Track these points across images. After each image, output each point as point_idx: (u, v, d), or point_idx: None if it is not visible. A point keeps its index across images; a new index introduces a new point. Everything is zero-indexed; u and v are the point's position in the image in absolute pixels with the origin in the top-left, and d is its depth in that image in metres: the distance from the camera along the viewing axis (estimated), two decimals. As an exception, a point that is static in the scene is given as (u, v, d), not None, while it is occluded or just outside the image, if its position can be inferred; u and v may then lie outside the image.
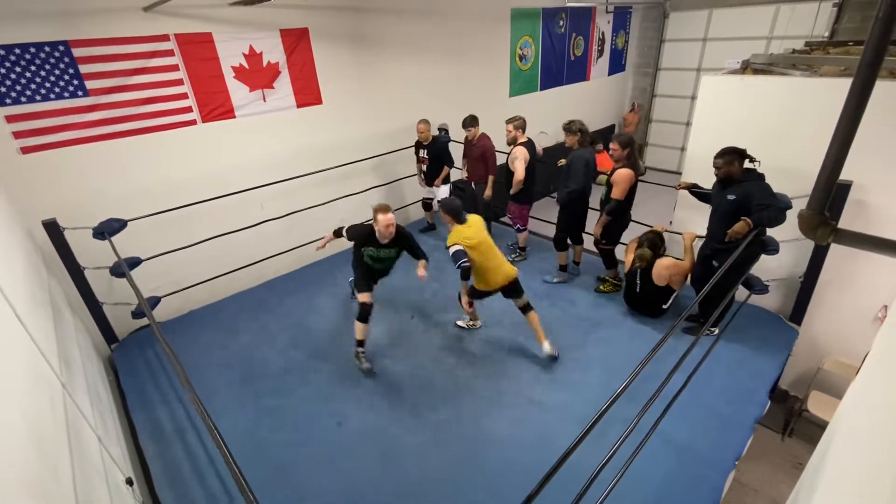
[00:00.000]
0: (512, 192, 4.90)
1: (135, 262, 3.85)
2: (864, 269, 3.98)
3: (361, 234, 3.62)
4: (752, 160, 3.40)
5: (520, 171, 4.68)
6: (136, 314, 4.00)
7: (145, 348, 4.09)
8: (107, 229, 3.67)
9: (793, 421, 4.46)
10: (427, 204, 6.02)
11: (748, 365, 3.66)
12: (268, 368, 3.85)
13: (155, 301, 4.08)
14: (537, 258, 5.39)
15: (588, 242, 4.85)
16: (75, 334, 3.26)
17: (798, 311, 4.17)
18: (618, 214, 4.26)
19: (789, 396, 4.72)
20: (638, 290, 4.14)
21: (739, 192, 3.37)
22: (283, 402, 3.51)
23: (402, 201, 6.43)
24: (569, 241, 4.83)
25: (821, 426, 2.79)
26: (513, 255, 5.36)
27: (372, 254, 3.68)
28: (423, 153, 5.54)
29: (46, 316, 2.66)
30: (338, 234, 3.84)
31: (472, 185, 5.53)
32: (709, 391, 3.38)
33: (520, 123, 4.78)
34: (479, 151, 5.22)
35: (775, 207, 3.18)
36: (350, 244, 3.80)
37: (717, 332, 3.74)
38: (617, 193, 4.10)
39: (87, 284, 3.86)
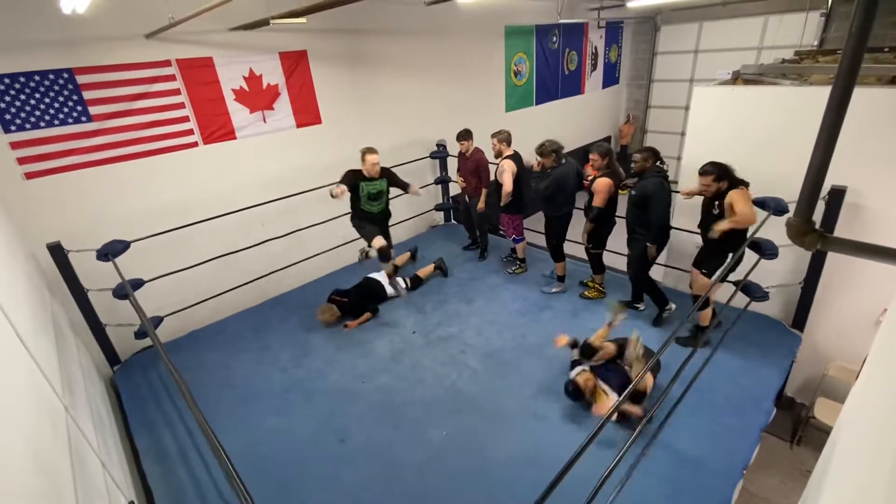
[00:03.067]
0: (502, 203, 4.98)
1: (138, 284, 3.87)
2: (864, 273, 3.99)
3: (354, 174, 4.41)
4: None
5: (507, 184, 4.77)
6: (140, 335, 4.01)
7: (147, 369, 4.08)
8: (110, 251, 3.70)
9: (800, 428, 4.41)
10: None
11: (752, 373, 3.64)
12: (270, 387, 3.84)
13: (157, 321, 4.09)
14: (534, 269, 5.43)
15: (575, 249, 4.93)
16: (77, 356, 3.27)
17: (800, 316, 4.16)
18: (601, 220, 4.37)
19: (796, 404, 4.67)
20: None
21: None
22: (286, 420, 3.50)
23: (406, 214, 6.48)
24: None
25: (828, 433, 2.77)
26: (512, 268, 5.40)
27: (366, 188, 4.43)
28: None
29: (48, 338, 2.67)
30: (343, 180, 4.35)
31: (467, 199, 5.60)
32: (713, 400, 3.36)
33: (504, 137, 4.90)
34: (472, 165, 5.28)
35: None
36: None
37: (641, 307, 4.44)
38: (598, 202, 4.23)
39: (90, 306, 3.88)
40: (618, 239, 4.54)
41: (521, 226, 5.21)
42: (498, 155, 4.93)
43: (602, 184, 4.18)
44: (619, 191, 4.32)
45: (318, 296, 5.13)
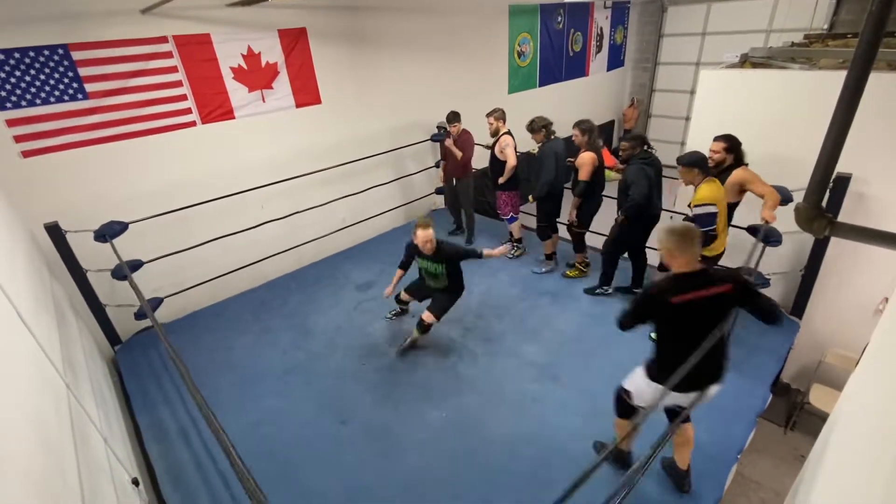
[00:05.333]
0: (503, 179, 4.96)
1: (136, 265, 3.87)
2: (865, 262, 3.98)
3: (413, 246, 3.74)
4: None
5: (512, 158, 4.80)
6: (139, 315, 4.02)
7: (148, 349, 4.11)
8: (108, 232, 3.68)
9: (795, 414, 4.47)
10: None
11: (749, 359, 3.66)
12: (270, 368, 3.87)
13: (157, 302, 4.10)
14: (537, 253, 5.39)
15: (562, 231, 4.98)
16: (79, 336, 3.28)
17: (799, 304, 4.17)
18: (587, 196, 4.38)
19: (791, 390, 4.73)
20: None
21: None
22: (286, 401, 3.53)
23: (407, 198, 6.45)
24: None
25: (822, 418, 2.80)
26: (512, 252, 5.30)
27: (422, 264, 3.83)
28: None
29: (50, 318, 2.68)
30: (401, 266, 3.95)
31: (454, 182, 5.61)
32: (710, 385, 3.39)
33: (500, 115, 4.93)
34: (458, 144, 5.26)
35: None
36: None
37: (609, 290, 4.55)
38: (583, 175, 4.27)
39: (89, 287, 3.88)
40: (604, 219, 4.60)
41: (518, 204, 5.20)
42: (495, 133, 4.92)
43: (586, 157, 4.23)
44: (608, 171, 4.37)
45: (319, 278, 5.14)
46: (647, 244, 4.33)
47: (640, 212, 4.00)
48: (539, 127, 4.54)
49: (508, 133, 4.87)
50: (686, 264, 2.14)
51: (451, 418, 3.30)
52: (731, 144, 3.59)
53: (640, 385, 2.42)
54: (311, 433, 3.25)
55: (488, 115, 4.92)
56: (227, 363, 3.94)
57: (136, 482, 2.49)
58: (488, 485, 2.82)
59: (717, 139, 3.65)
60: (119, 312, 4.14)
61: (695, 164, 3.42)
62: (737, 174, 3.55)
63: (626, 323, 2.32)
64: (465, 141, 5.27)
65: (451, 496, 2.78)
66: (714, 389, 2.23)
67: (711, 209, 3.31)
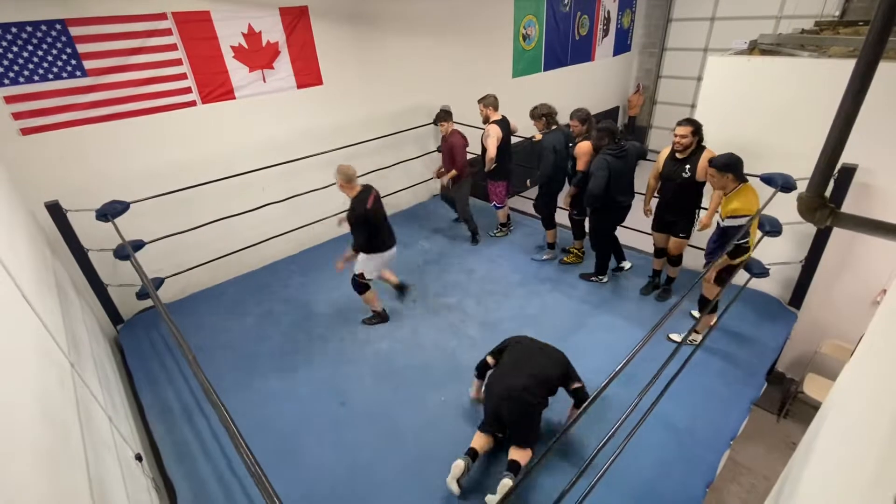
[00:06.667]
0: (486, 169, 5.02)
1: (138, 245, 3.87)
2: (865, 254, 3.98)
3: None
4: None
5: (491, 149, 4.80)
6: (141, 295, 4.04)
7: (150, 329, 4.14)
8: (109, 211, 3.68)
9: (788, 402, 4.53)
10: None
11: (746, 348, 3.70)
12: (271, 350, 3.91)
13: (158, 282, 4.12)
14: (520, 234, 5.58)
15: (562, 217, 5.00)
16: (81, 315, 3.30)
17: (798, 295, 4.19)
18: (584, 185, 4.33)
19: (786, 379, 4.77)
20: None
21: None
22: (287, 382, 3.58)
23: (408, 182, 6.42)
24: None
25: (815, 407, 2.84)
26: (493, 231, 5.59)
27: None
28: None
29: (52, 297, 2.69)
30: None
31: (450, 185, 5.49)
32: (708, 373, 3.43)
33: (490, 101, 4.90)
34: (447, 147, 5.07)
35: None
36: None
37: (605, 279, 4.55)
38: (580, 165, 4.27)
39: (91, 266, 3.89)
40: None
41: (504, 193, 5.27)
42: (486, 120, 4.93)
43: (584, 147, 4.21)
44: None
45: (319, 261, 5.15)
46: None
47: (597, 203, 4.04)
48: (540, 115, 4.51)
49: (498, 122, 4.84)
50: None
51: (449, 402, 3.35)
52: (697, 128, 3.65)
53: (366, 265, 3.77)
54: (311, 413, 3.30)
55: (479, 101, 4.94)
56: (228, 343, 3.98)
57: (139, 458, 2.53)
58: (484, 469, 2.87)
59: (682, 124, 3.69)
60: (120, 292, 4.17)
61: (729, 168, 3.21)
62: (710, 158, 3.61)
63: None
64: (452, 145, 5.00)
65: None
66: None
67: (743, 221, 3.14)
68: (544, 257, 5.05)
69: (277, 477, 2.81)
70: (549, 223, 4.93)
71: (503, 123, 4.87)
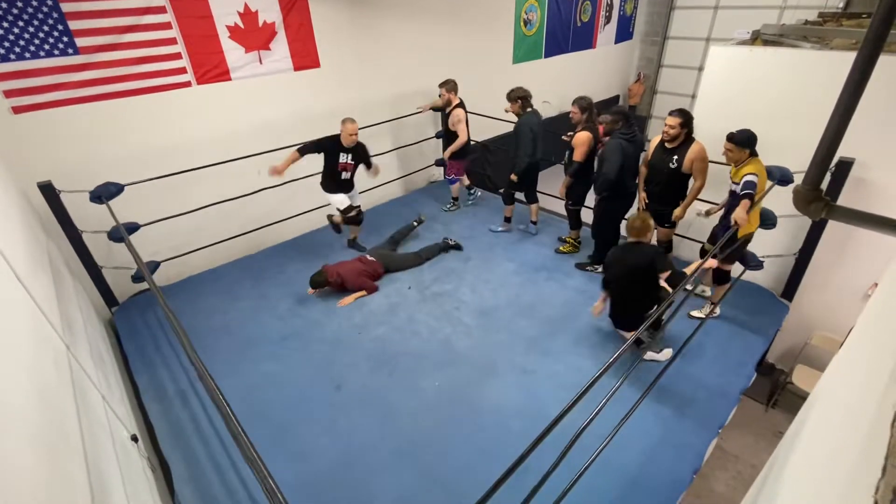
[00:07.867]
0: (452, 150, 5.29)
1: (133, 228, 3.84)
2: (858, 248, 4.02)
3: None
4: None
5: (463, 133, 5.10)
6: (136, 278, 4.03)
7: (146, 311, 4.14)
8: (104, 193, 3.64)
9: (777, 393, 4.60)
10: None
11: (738, 339, 3.75)
12: (267, 334, 3.92)
13: (154, 266, 4.10)
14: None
15: (554, 204, 5.06)
16: (76, 297, 3.30)
17: (790, 287, 4.23)
18: (581, 176, 4.37)
19: (775, 369, 4.85)
20: None
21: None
22: (283, 366, 3.60)
23: (405, 169, 6.38)
24: (524, 199, 5.18)
25: (803, 397, 2.90)
26: (447, 206, 5.81)
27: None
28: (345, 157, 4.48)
29: (47, 278, 2.68)
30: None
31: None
32: (699, 363, 3.48)
33: (452, 86, 5.13)
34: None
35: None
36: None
37: (600, 269, 4.45)
38: (577, 156, 4.24)
39: (85, 248, 3.87)
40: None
41: (461, 168, 5.55)
42: (447, 104, 5.18)
43: (582, 137, 4.17)
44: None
45: (316, 247, 5.13)
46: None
47: (611, 189, 3.99)
48: (516, 97, 4.53)
49: (460, 105, 5.07)
50: None
51: (444, 388, 3.38)
52: (686, 119, 3.70)
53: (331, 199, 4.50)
54: (306, 397, 3.33)
55: (441, 85, 5.11)
56: (224, 327, 3.99)
57: (135, 439, 2.56)
58: (477, 452, 2.91)
59: (673, 114, 3.72)
60: (115, 275, 4.15)
61: (749, 144, 3.37)
62: (699, 150, 3.71)
63: None
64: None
65: (442, 462, 2.87)
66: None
67: (755, 179, 3.30)
68: (500, 229, 5.29)
69: (272, 459, 2.85)
70: (509, 199, 5.12)
71: (464, 107, 5.20)
